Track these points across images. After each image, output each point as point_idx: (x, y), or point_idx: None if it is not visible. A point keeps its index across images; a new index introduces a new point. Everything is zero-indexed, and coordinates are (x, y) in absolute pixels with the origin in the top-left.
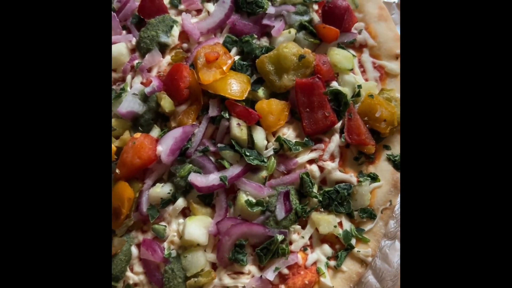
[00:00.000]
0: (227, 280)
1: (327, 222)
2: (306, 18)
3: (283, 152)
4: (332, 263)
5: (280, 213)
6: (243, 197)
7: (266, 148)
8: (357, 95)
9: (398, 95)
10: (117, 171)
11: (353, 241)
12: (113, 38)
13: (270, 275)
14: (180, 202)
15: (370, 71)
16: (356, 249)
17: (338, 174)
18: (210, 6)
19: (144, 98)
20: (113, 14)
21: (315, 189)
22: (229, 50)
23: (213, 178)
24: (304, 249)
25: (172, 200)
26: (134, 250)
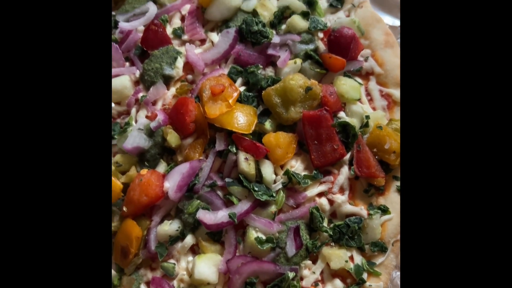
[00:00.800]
0: None
1: (338, 257)
2: (311, 46)
3: (291, 185)
4: None
5: (290, 249)
6: (252, 234)
7: (275, 182)
8: (365, 125)
9: None
10: (124, 209)
11: (365, 275)
12: (117, 70)
13: None
14: (189, 239)
15: (378, 100)
16: (367, 283)
17: (348, 207)
18: (214, 36)
19: (150, 132)
20: (116, 45)
21: (325, 223)
22: (234, 81)
23: (221, 215)
24: (315, 284)
25: (180, 237)
26: None
